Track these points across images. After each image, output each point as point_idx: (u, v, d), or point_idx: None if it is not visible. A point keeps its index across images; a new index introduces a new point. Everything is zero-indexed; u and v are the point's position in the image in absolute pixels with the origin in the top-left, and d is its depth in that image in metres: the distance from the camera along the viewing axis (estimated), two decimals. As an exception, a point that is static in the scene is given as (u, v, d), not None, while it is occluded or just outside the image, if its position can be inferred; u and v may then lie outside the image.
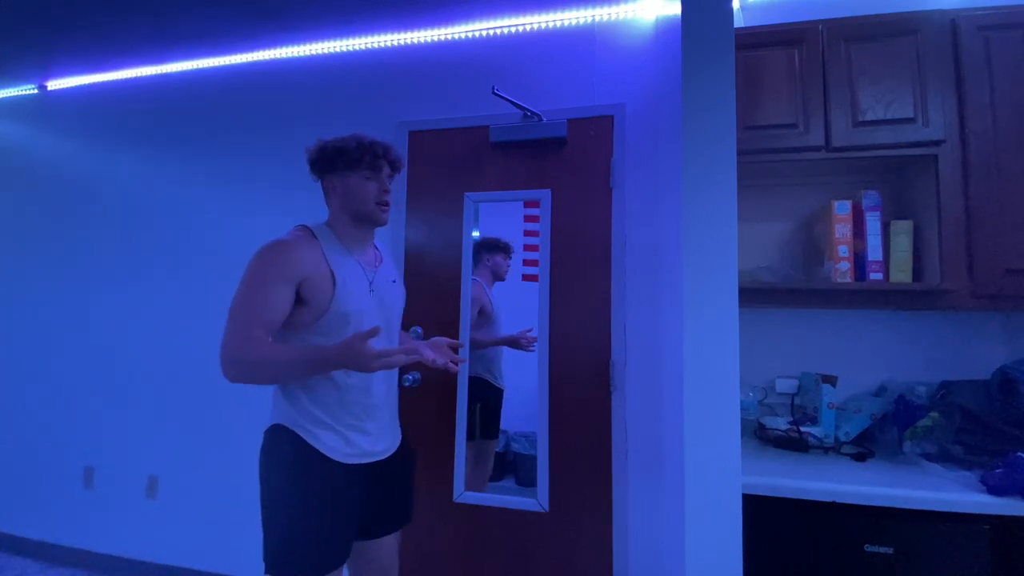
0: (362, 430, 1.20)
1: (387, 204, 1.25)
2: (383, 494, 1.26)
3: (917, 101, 1.40)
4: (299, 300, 1.14)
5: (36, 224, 2.56)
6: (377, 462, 1.24)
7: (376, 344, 1.17)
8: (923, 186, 1.46)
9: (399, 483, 1.32)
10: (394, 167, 1.28)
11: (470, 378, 1.94)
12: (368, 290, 1.23)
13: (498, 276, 2.10)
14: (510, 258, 2.09)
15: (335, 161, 1.23)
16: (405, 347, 1.21)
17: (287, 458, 1.15)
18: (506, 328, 2.09)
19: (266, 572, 1.11)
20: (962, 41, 1.38)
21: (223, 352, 1.06)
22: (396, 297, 1.34)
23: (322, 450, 1.15)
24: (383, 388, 1.26)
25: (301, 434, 1.15)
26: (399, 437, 1.34)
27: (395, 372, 1.31)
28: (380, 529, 1.28)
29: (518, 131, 1.90)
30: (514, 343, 2.01)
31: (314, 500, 1.12)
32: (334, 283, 1.15)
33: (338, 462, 1.16)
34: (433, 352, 1.26)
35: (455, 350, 1.39)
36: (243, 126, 2.29)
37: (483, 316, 2.01)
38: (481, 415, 1.94)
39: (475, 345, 1.96)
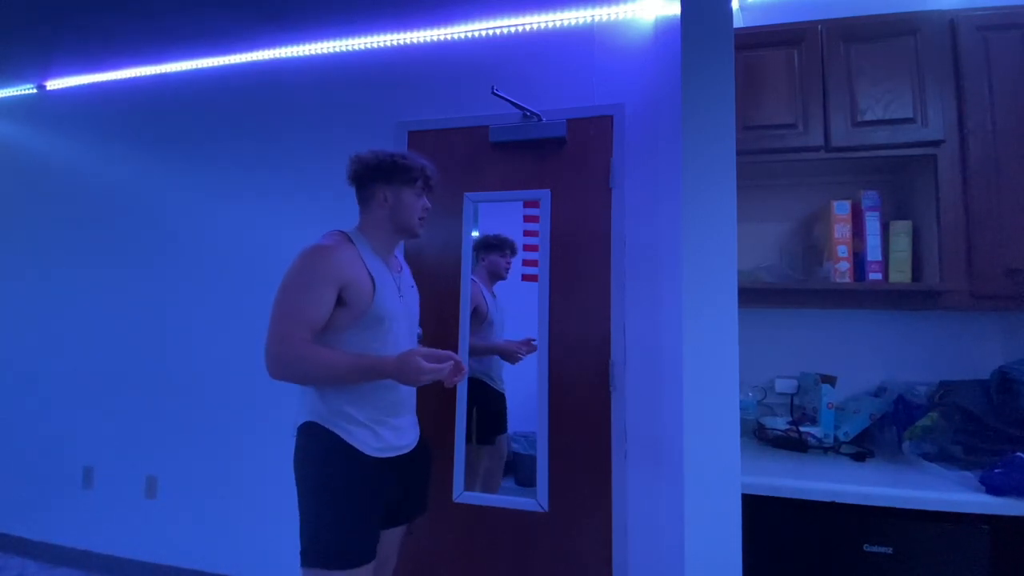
0: (390, 425, 1.26)
1: (424, 218, 1.37)
2: (406, 486, 1.32)
3: (916, 101, 1.40)
4: (339, 302, 1.19)
5: (36, 224, 2.56)
6: (401, 456, 1.29)
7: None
8: (922, 186, 1.46)
9: (420, 475, 1.39)
10: (434, 190, 1.39)
11: (471, 380, 1.93)
12: (398, 294, 1.31)
13: (497, 275, 2.09)
14: (509, 256, 2.08)
15: (393, 174, 1.30)
16: (446, 354, 1.24)
17: (322, 454, 1.19)
18: (505, 330, 2.08)
19: (304, 565, 1.15)
20: (961, 41, 1.38)
21: (272, 351, 1.13)
22: (416, 302, 1.44)
23: (356, 445, 1.20)
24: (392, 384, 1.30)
25: (335, 430, 1.20)
26: (419, 431, 1.40)
27: None
28: (398, 519, 1.34)
29: (518, 131, 1.90)
30: (508, 355, 2.00)
31: (349, 494, 1.18)
32: (374, 287, 1.22)
33: (370, 456, 1.21)
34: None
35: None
36: (243, 126, 2.28)
37: (477, 317, 1.98)
38: (479, 419, 1.93)
39: (471, 352, 1.94)
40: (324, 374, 1.16)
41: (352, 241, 1.27)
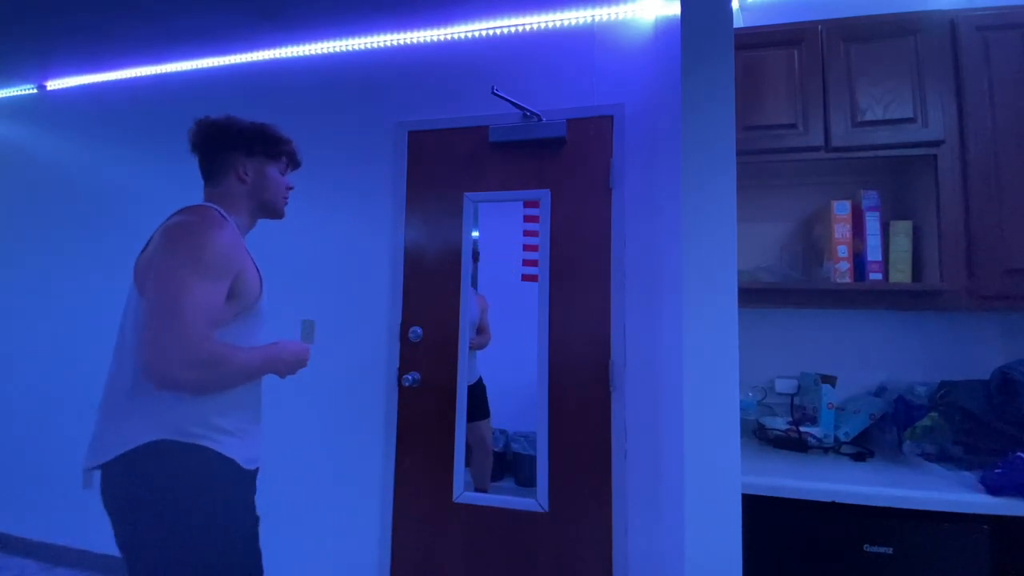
0: (254, 434, 1.10)
1: (286, 198, 1.21)
2: None
3: (916, 101, 1.40)
4: (228, 293, 1.00)
5: (36, 224, 2.55)
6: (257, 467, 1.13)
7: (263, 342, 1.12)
8: (923, 186, 1.46)
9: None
10: (296, 165, 1.25)
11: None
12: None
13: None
14: (475, 262, 2.06)
15: (254, 145, 1.13)
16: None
17: (193, 475, 0.96)
18: (501, 332, 2.12)
19: None
20: (961, 41, 1.38)
21: (182, 356, 0.89)
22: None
23: (234, 458, 1.02)
24: (260, 390, 1.16)
25: (207, 444, 0.98)
26: None
27: None
28: None
29: (518, 131, 1.90)
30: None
31: (242, 515, 1.03)
32: (260, 276, 1.07)
33: (246, 469, 1.05)
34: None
35: None
36: (243, 126, 2.28)
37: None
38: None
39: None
40: (240, 376, 1.01)
41: (227, 220, 1.06)
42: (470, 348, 1.99)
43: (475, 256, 2.04)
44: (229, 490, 1.01)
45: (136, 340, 0.97)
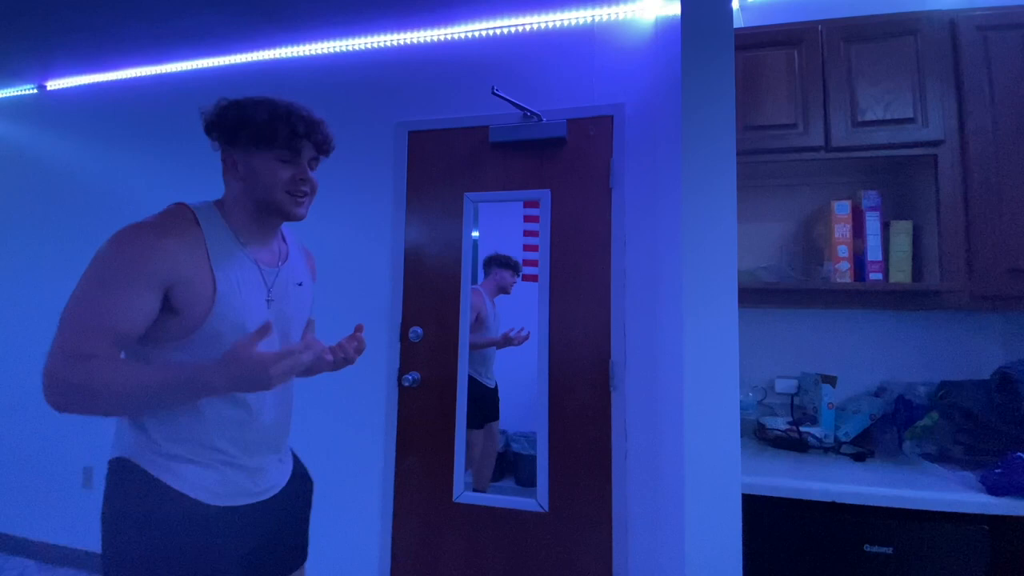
0: (242, 467, 0.93)
1: (303, 194, 0.95)
2: (270, 537, 0.99)
3: (916, 101, 1.40)
4: (167, 307, 0.85)
5: (36, 224, 2.56)
6: (262, 501, 0.97)
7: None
8: (923, 186, 1.46)
9: (293, 517, 1.07)
10: (321, 149, 0.98)
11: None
12: (264, 299, 0.95)
13: (503, 289, 2.17)
14: (517, 276, 2.15)
15: (237, 133, 0.91)
16: (307, 341, 0.98)
17: (136, 501, 0.86)
18: (501, 332, 2.15)
19: None
20: (961, 41, 1.38)
21: (47, 370, 0.78)
22: (300, 305, 1.05)
23: (183, 490, 0.87)
24: (273, 416, 0.98)
25: (151, 470, 0.86)
26: (291, 465, 1.07)
27: (291, 389, 1.04)
28: (267, 573, 1.02)
29: (518, 131, 1.90)
30: (508, 341, 2.09)
31: (178, 555, 0.85)
32: (214, 289, 0.87)
33: (210, 505, 0.88)
34: (337, 351, 1.05)
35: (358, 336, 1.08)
36: (243, 126, 2.29)
37: (479, 323, 2.05)
38: (471, 408, 1.96)
39: (471, 347, 1.98)
40: (123, 402, 0.82)
41: (199, 222, 0.90)
42: (500, 346, 2.08)
43: (517, 270, 2.14)
44: (175, 528, 0.85)
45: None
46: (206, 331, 0.87)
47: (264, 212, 0.95)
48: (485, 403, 2.10)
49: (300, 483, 1.09)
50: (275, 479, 1.00)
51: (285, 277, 1.01)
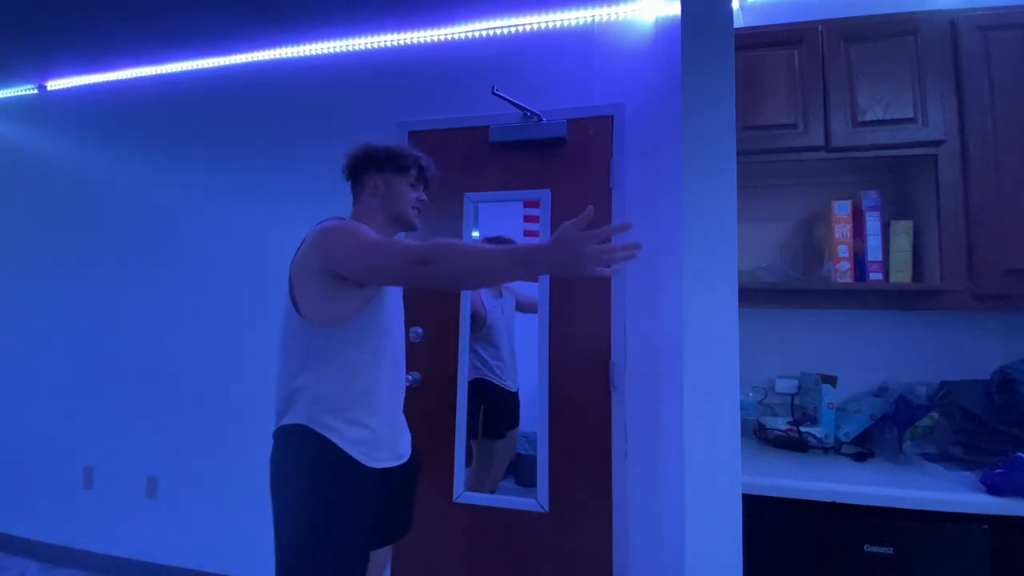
0: (392, 428, 1.18)
1: (420, 210, 1.31)
2: (395, 502, 1.21)
3: (917, 101, 1.40)
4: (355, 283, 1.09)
5: (36, 224, 2.55)
6: (397, 466, 1.19)
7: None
8: (923, 186, 1.46)
9: (409, 491, 1.29)
10: (429, 185, 1.34)
11: (476, 380, 1.94)
12: (397, 293, 1.27)
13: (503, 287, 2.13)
14: None
15: (385, 163, 1.26)
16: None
17: (312, 464, 1.06)
18: (504, 335, 2.11)
19: None
20: (961, 41, 1.38)
21: (409, 255, 1.00)
22: (401, 300, 1.35)
23: (354, 455, 1.08)
24: (403, 372, 1.27)
25: (328, 435, 1.07)
26: (409, 435, 1.30)
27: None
28: (382, 540, 1.22)
29: (518, 131, 1.90)
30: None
31: (345, 513, 1.05)
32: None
33: (368, 467, 1.10)
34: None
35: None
36: (243, 126, 2.28)
37: (476, 322, 2.01)
38: (486, 415, 1.94)
39: (527, 308, 1.97)
40: (476, 263, 0.98)
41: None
42: (527, 310, 2.03)
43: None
44: (343, 486, 1.06)
45: (287, 340, 1.14)
46: (377, 301, 1.15)
47: (395, 224, 1.29)
48: (508, 410, 2.06)
49: (417, 455, 1.30)
50: (407, 444, 1.25)
51: None
